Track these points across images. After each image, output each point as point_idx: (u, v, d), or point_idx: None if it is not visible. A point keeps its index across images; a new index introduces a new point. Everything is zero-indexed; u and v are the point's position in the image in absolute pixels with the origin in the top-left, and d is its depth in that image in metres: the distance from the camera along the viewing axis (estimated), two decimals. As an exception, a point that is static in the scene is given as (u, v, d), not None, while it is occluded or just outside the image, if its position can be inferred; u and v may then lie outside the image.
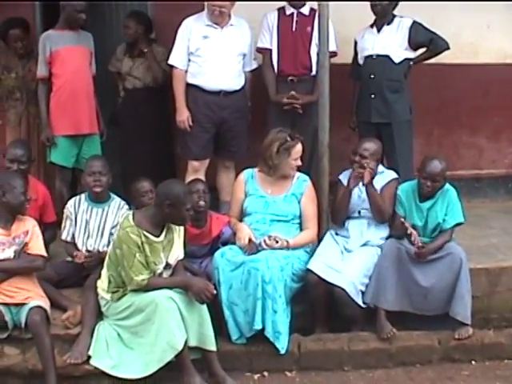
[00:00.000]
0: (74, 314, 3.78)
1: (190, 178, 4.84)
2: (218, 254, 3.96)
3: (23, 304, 3.66)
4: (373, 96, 4.78)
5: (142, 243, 3.55)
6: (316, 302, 4.05)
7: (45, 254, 3.80)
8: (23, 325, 3.62)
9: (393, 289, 4.03)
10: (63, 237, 4.19)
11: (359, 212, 4.22)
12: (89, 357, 3.61)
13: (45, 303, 3.72)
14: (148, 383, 3.58)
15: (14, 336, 3.69)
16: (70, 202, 4.23)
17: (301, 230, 4.18)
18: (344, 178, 4.28)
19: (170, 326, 3.50)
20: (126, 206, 4.24)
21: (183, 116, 4.81)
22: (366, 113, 4.87)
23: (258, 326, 3.80)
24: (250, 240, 3.99)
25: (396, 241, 4.12)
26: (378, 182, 4.21)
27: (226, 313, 3.88)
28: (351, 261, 4.04)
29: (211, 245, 4.24)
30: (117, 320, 3.68)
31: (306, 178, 4.25)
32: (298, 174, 4.23)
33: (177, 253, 3.75)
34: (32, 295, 3.70)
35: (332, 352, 3.95)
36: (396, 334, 3.95)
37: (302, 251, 4.12)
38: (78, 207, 4.20)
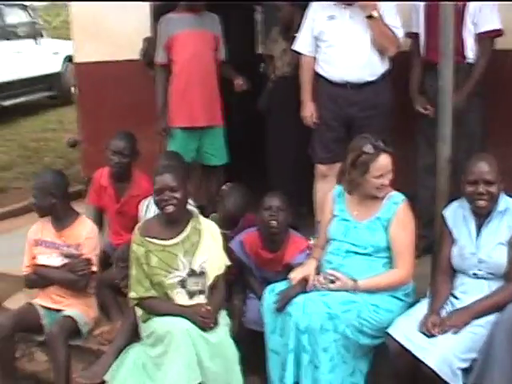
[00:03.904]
0: (110, 329, 3.48)
1: (319, 183, 4.20)
2: (268, 288, 3.26)
3: (62, 310, 3.48)
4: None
5: (147, 253, 3.12)
6: (397, 376, 3.06)
7: (94, 269, 3.54)
8: (53, 332, 3.43)
9: (504, 371, 2.84)
10: None
11: (474, 274, 3.07)
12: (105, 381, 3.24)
13: (82, 313, 3.48)
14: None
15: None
16: (141, 204, 3.91)
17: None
18: (450, 214, 3.18)
19: (179, 364, 2.95)
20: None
21: (306, 111, 4.12)
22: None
23: (288, 382, 3.05)
24: (304, 280, 3.18)
25: None
26: (501, 230, 3.01)
27: (268, 361, 3.18)
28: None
29: (287, 271, 3.50)
30: (145, 345, 3.23)
31: (401, 198, 3.24)
32: (392, 193, 3.25)
33: (203, 258, 3.17)
34: (73, 302, 3.49)
35: None
36: None
37: (387, 296, 3.14)
38: (146, 211, 3.86)
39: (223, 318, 3.18)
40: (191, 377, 2.95)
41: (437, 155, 3.23)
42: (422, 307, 3.08)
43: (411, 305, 3.20)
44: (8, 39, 9.82)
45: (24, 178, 6.83)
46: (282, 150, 4.82)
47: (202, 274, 3.17)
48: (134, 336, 3.36)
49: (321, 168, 4.17)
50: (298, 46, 4.13)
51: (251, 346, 3.34)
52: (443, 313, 3.02)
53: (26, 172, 7.12)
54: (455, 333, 2.87)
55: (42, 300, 3.53)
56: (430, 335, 2.88)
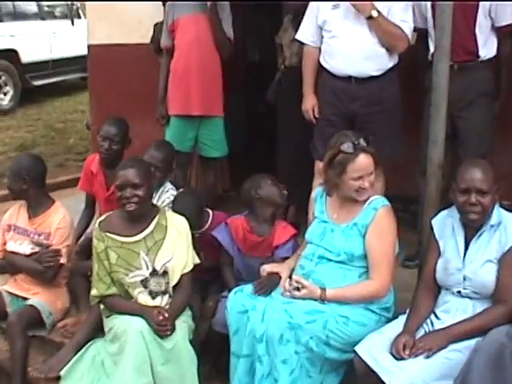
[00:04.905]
0: (74, 322, 3.32)
1: (317, 181, 3.92)
2: (234, 290, 3.05)
3: (29, 299, 3.35)
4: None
5: (106, 249, 2.97)
6: None
7: (62, 261, 3.38)
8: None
9: (481, 402, 2.57)
10: None
11: (459, 292, 2.78)
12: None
13: (48, 303, 3.34)
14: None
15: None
16: None
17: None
18: (438, 224, 2.90)
19: (130, 366, 2.80)
20: (173, 191, 3.59)
21: (307, 104, 3.87)
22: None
23: None
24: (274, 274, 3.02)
25: (505, 332, 2.59)
26: (491, 245, 2.72)
27: (230, 365, 2.99)
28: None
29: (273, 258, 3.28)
30: (106, 341, 3.08)
31: (381, 203, 2.95)
32: (374, 197, 2.97)
33: (167, 257, 2.99)
34: (40, 291, 3.36)
35: None
36: None
37: (360, 308, 2.89)
38: None
39: (184, 321, 3.00)
40: (142, 381, 2.81)
41: (427, 158, 2.95)
42: (398, 325, 2.81)
43: (390, 320, 2.95)
44: (43, 19, 9.84)
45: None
46: (289, 143, 4.61)
47: (165, 274, 3.00)
48: (98, 331, 3.20)
49: (320, 165, 3.91)
50: (300, 35, 3.89)
51: (221, 350, 3.17)
52: (421, 333, 2.76)
53: (46, 153, 7.09)
54: (427, 357, 2.60)
55: (11, 287, 3.42)
56: (400, 357, 2.62)
